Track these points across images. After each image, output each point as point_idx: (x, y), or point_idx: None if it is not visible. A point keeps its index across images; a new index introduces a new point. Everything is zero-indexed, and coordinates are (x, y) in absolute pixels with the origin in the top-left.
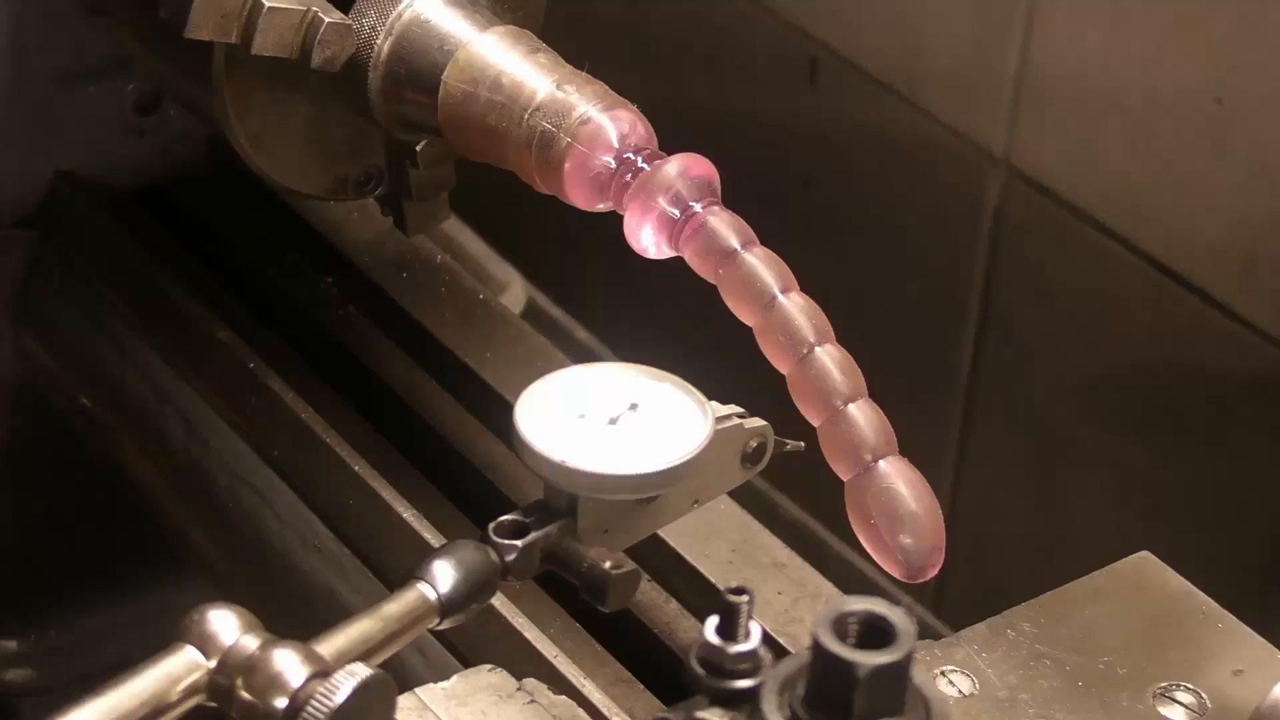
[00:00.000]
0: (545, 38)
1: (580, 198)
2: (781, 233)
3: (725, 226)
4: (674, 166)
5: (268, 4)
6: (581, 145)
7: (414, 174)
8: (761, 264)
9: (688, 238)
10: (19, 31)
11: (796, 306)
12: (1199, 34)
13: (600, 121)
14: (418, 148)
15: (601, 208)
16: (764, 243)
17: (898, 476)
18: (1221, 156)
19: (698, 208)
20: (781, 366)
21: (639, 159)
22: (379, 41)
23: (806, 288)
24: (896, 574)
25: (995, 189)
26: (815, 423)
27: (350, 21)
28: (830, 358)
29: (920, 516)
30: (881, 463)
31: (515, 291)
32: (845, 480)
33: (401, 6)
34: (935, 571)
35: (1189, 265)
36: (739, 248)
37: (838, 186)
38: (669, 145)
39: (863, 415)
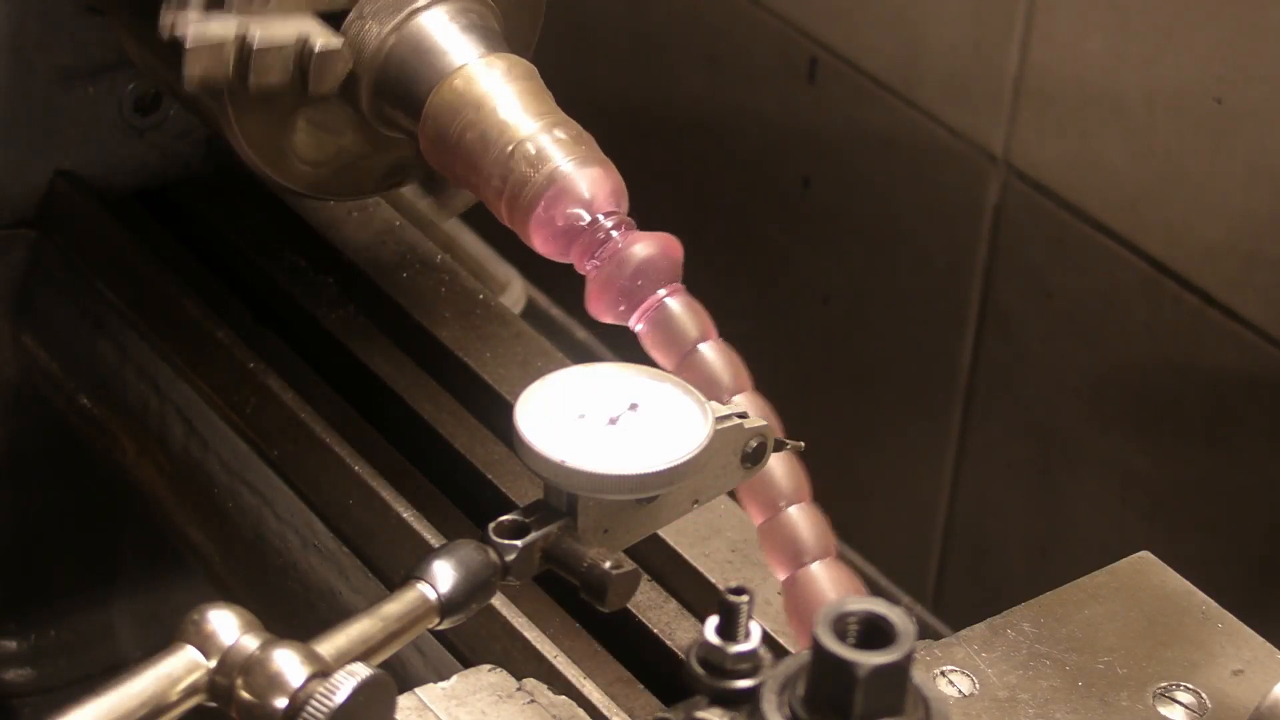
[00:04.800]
0: (545, 37)
1: (543, 246)
2: (781, 233)
3: (686, 315)
4: (640, 249)
5: (256, 45)
6: (551, 197)
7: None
8: (718, 359)
9: (648, 322)
10: (19, 31)
11: (752, 407)
12: (1199, 34)
13: (574, 177)
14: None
15: (565, 259)
16: (764, 242)
17: (829, 581)
18: (1221, 156)
19: (662, 293)
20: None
21: (608, 221)
22: (374, 47)
23: (807, 287)
24: None
25: (995, 189)
26: (756, 523)
27: (340, 44)
28: (777, 462)
29: None
30: (815, 565)
31: (515, 291)
32: (781, 580)
33: (401, 17)
34: None
35: (1189, 265)
36: (695, 340)
37: (838, 186)
38: (669, 144)
39: (803, 518)
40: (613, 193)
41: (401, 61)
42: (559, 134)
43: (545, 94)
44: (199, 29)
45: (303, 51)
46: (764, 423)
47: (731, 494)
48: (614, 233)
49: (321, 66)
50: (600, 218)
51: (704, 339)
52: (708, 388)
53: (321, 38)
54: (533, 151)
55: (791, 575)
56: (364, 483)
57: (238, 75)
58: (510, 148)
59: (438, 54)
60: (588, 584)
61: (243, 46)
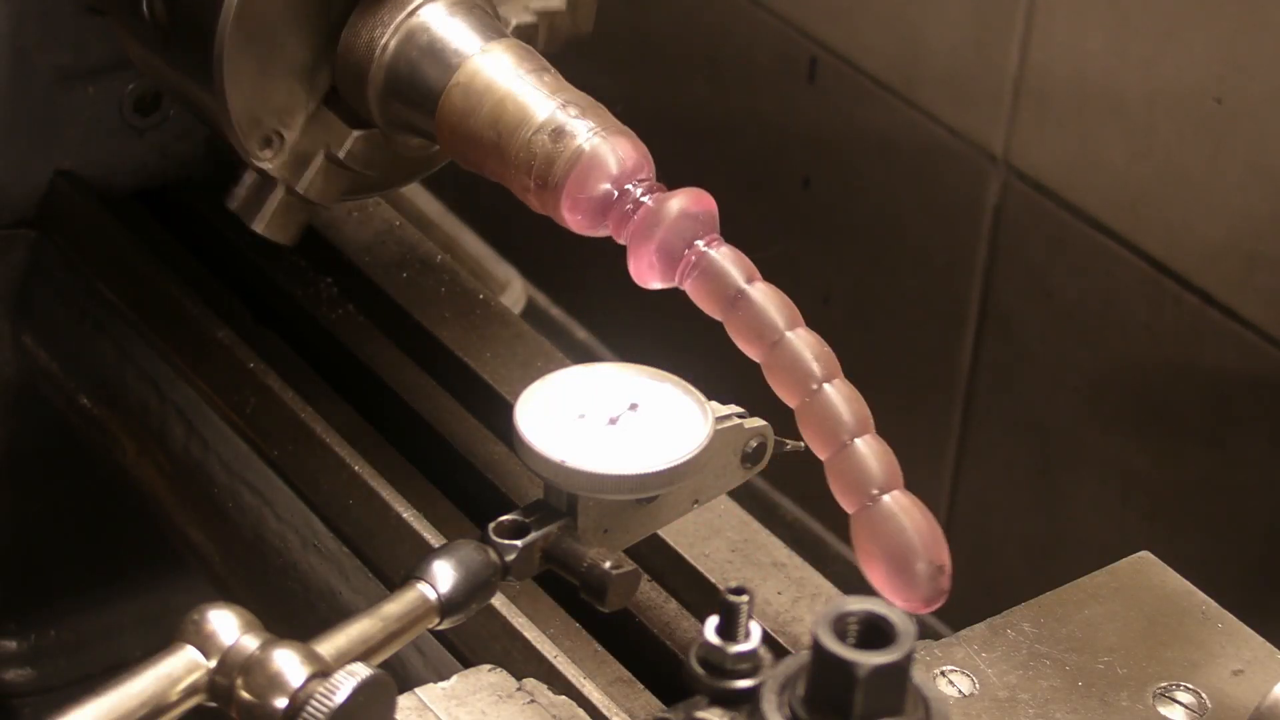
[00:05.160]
0: None
1: (577, 223)
2: (782, 233)
3: (729, 264)
4: (676, 204)
5: (303, 192)
6: (580, 171)
7: (326, 169)
8: (767, 301)
9: (691, 275)
10: (19, 31)
11: (804, 343)
12: (1199, 34)
13: (600, 149)
14: (344, 147)
15: (600, 233)
16: (764, 241)
17: (902, 512)
18: (1221, 156)
19: (701, 245)
20: (790, 401)
21: (638, 189)
22: (380, 47)
23: (807, 287)
24: (905, 608)
25: (995, 189)
26: (822, 456)
27: (354, 137)
28: (837, 393)
29: (926, 550)
30: (886, 498)
31: (515, 291)
32: (850, 514)
33: (404, 14)
34: (943, 601)
35: (1189, 265)
36: (744, 285)
37: (838, 186)
38: (669, 144)
39: (869, 450)
40: (640, 159)
41: (408, 62)
42: (578, 109)
43: (553, 73)
44: (259, 216)
45: (332, 160)
46: (763, 423)
47: (732, 493)
48: (644, 197)
49: (354, 160)
50: (630, 186)
51: (751, 280)
52: (760, 329)
53: (340, 143)
54: (555, 130)
55: (861, 507)
56: (364, 483)
57: (307, 208)
58: (531, 131)
59: (443, 48)
60: (588, 584)
61: (293, 194)
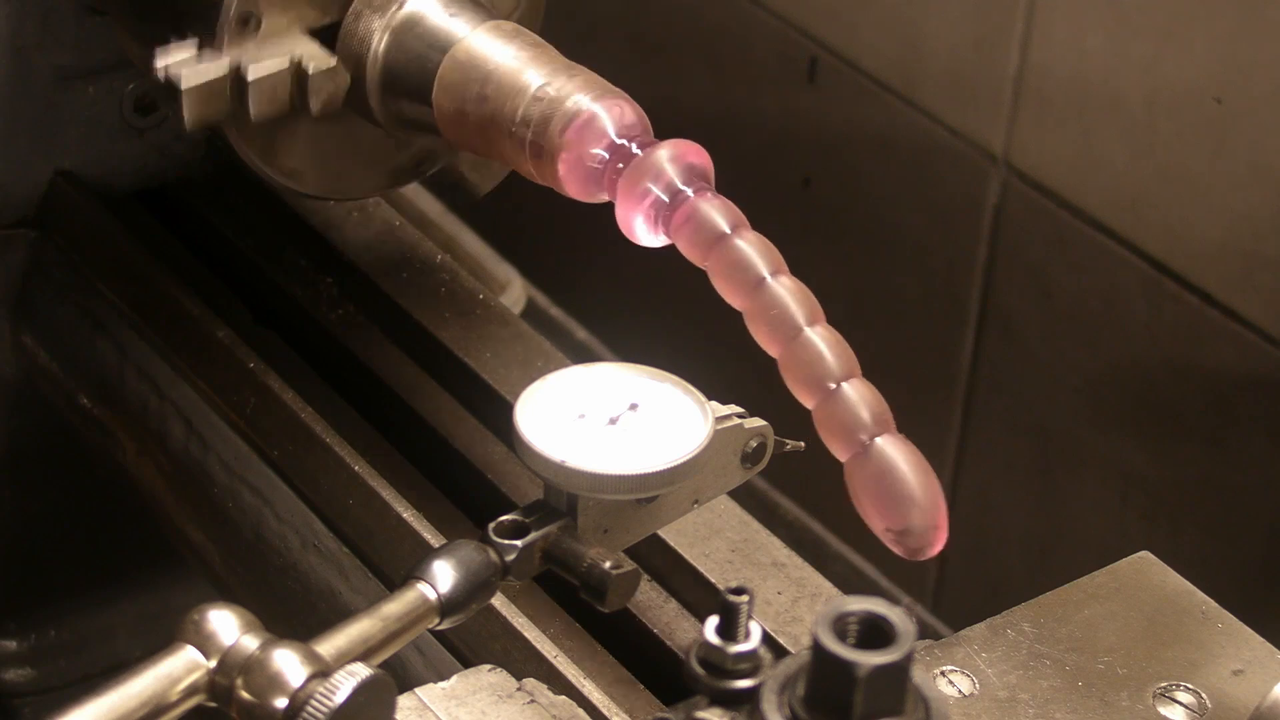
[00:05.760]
0: (545, 36)
1: (576, 189)
2: (782, 233)
3: (715, 211)
4: (665, 151)
5: (250, 76)
6: (575, 135)
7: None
8: (751, 248)
9: (677, 224)
10: (19, 31)
11: (785, 289)
12: (1199, 34)
13: (593, 110)
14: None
15: (601, 198)
16: None
17: (896, 456)
18: (1221, 156)
19: (689, 193)
20: (771, 350)
21: (633, 146)
22: (374, 43)
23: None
24: (898, 552)
25: (995, 189)
26: (809, 405)
27: (334, 63)
28: (821, 339)
29: (919, 496)
30: (878, 440)
31: (515, 291)
32: (843, 461)
33: (391, 10)
34: (937, 550)
35: (1189, 265)
36: (729, 232)
37: (838, 186)
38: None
39: (856, 394)
40: (635, 119)
41: (403, 54)
42: (570, 76)
43: (546, 47)
44: (192, 71)
45: (298, 74)
46: (763, 423)
47: (732, 493)
48: (637, 152)
49: (319, 88)
50: (625, 142)
51: (738, 227)
52: (743, 272)
53: (315, 59)
54: (548, 97)
55: (856, 452)
56: (364, 483)
57: (237, 107)
58: (525, 101)
59: (436, 36)
60: (588, 584)
61: (237, 80)
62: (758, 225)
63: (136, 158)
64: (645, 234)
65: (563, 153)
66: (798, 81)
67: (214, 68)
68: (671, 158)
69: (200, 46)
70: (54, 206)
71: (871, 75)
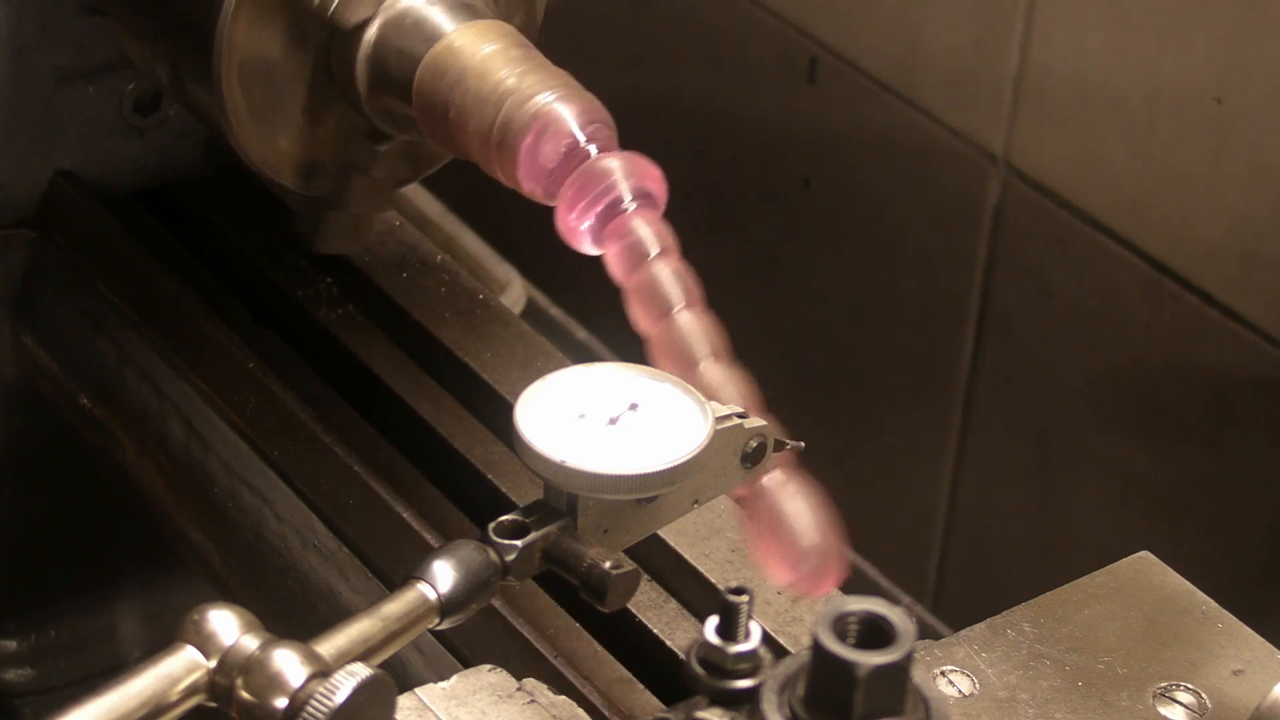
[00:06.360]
0: (545, 37)
1: (533, 185)
2: (781, 232)
3: (647, 231)
4: (614, 161)
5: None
6: (536, 131)
7: (357, 181)
8: (671, 277)
9: (610, 236)
10: (19, 31)
11: (691, 322)
12: (1199, 34)
13: (557, 110)
14: (381, 148)
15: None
16: (764, 241)
17: (788, 499)
18: (1221, 156)
19: (628, 207)
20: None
21: (592, 146)
22: (366, 35)
23: (807, 287)
24: (794, 589)
25: (995, 189)
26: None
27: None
28: (718, 375)
29: (811, 534)
30: (769, 479)
31: (515, 291)
32: (735, 493)
33: (386, 3)
34: (832, 585)
35: (1189, 265)
36: (654, 255)
37: (838, 186)
38: (670, 144)
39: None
40: (593, 119)
41: (391, 48)
42: (541, 77)
43: (526, 47)
44: (321, 238)
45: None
46: (764, 423)
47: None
48: (593, 151)
49: (385, 166)
50: (584, 142)
51: (664, 256)
52: (658, 303)
53: (367, 160)
54: (514, 96)
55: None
56: (364, 483)
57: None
58: (492, 99)
59: (423, 31)
60: (588, 584)
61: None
62: (758, 225)
63: (136, 158)
64: (580, 239)
65: (523, 148)
66: (798, 81)
67: (328, 218)
68: (619, 169)
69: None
70: (54, 206)
71: (871, 75)
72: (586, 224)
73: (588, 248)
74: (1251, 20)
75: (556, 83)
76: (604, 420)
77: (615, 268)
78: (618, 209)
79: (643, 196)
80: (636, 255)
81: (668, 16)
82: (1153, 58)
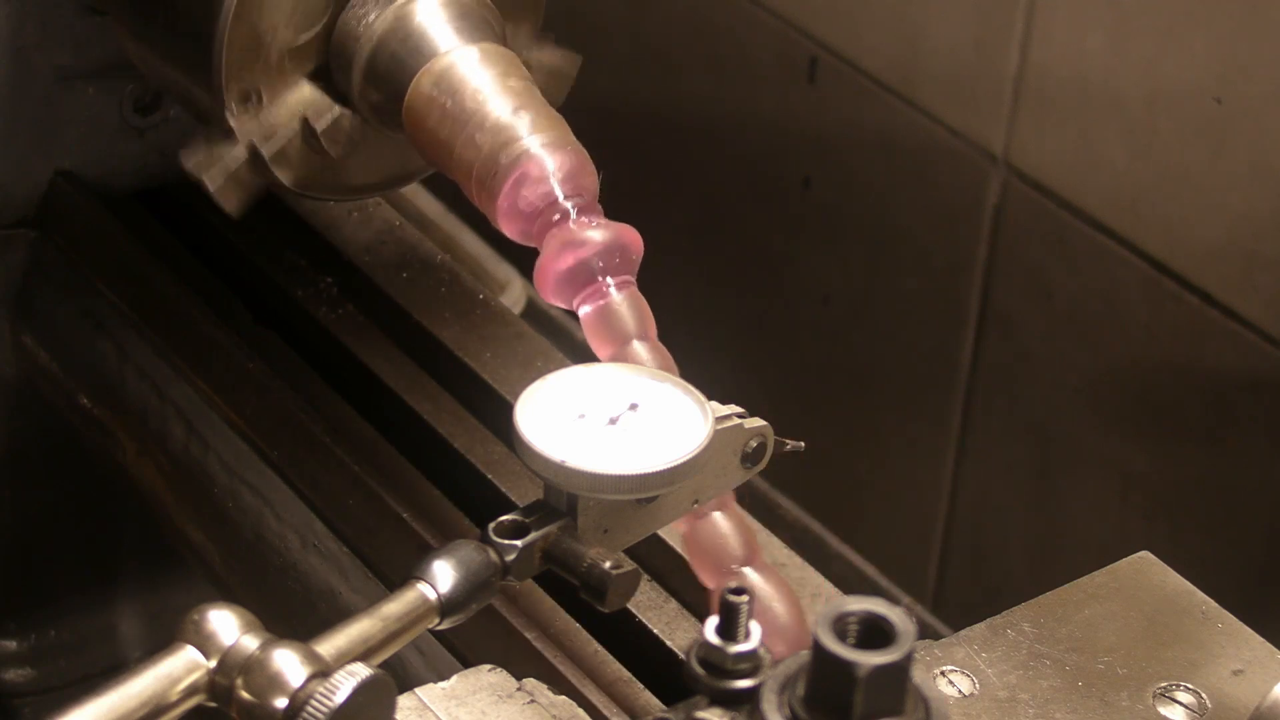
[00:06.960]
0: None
1: (508, 227)
2: (781, 233)
3: (627, 310)
4: (601, 234)
5: (266, 155)
6: (517, 176)
7: (298, 144)
8: (649, 360)
9: (590, 308)
10: (19, 31)
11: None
12: (1199, 34)
13: (540, 157)
14: (319, 127)
15: (531, 243)
16: (764, 241)
17: (765, 588)
18: (1221, 156)
19: (610, 281)
20: None
21: (570, 204)
22: (367, 33)
23: (807, 287)
24: None
25: (995, 189)
26: (681, 528)
27: (338, 112)
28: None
29: (789, 630)
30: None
31: (515, 291)
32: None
33: (393, 7)
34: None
35: (1189, 265)
36: (633, 338)
37: (838, 186)
38: (670, 144)
39: (725, 521)
40: (577, 174)
41: (390, 51)
42: (527, 117)
43: (523, 81)
44: (213, 171)
45: (307, 131)
46: (763, 423)
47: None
48: (572, 212)
49: (332, 139)
50: (562, 198)
51: (641, 338)
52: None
53: (318, 110)
54: (503, 134)
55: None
56: (364, 483)
57: (270, 177)
58: (480, 131)
59: (424, 42)
60: (588, 584)
61: (256, 156)
62: (758, 225)
63: (136, 158)
64: (556, 299)
65: (502, 189)
66: (798, 81)
67: (231, 157)
68: (604, 240)
69: (210, 132)
70: (54, 206)
71: (871, 75)
72: (561, 288)
73: (559, 303)
74: (1251, 20)
75: (545, 125)
76: (604, 420)
77: (593, 342)
78: (594, 282)
79: (623, 269)
80: (618, 335)
81: (668, 17)
82: (1153, 58)
